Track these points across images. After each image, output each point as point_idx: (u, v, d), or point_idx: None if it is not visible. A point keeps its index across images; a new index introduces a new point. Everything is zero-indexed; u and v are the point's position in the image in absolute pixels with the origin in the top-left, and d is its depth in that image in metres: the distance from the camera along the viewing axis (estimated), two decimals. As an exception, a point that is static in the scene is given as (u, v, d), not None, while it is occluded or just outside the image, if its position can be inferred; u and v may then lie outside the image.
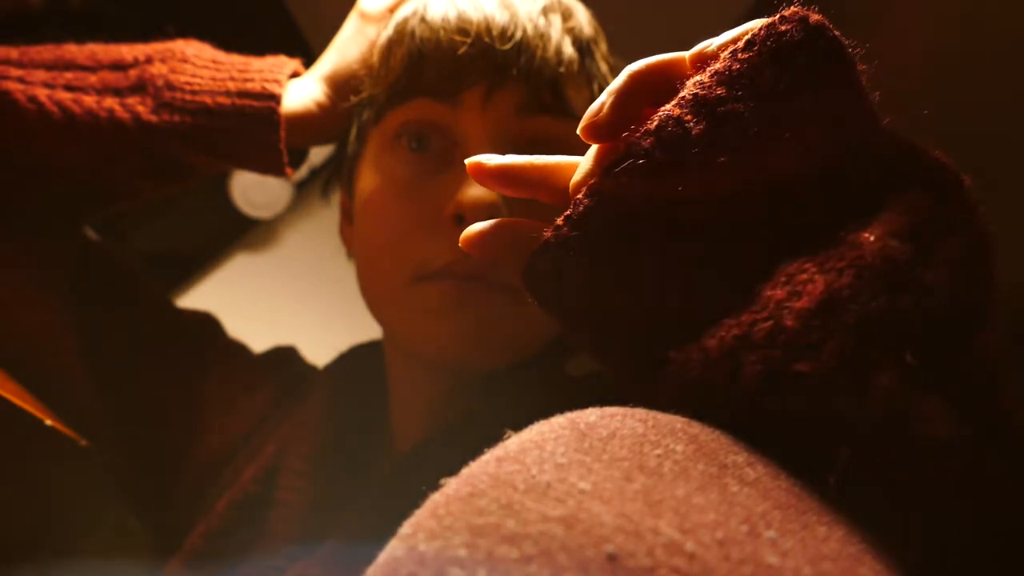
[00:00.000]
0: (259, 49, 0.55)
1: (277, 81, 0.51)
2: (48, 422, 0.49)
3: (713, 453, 0.22)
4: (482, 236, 0.31)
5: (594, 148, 0.30)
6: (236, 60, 0.53)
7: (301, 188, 1.18)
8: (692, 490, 0.19)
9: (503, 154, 0.47)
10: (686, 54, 0.29)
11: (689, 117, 0.26)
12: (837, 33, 0.26)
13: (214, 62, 0.52)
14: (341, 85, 0.54)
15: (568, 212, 0.29)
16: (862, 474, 0.22)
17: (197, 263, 1.17)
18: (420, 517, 0.19)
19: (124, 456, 0.56)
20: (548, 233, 0.29)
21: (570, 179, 0.31)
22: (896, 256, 0.23)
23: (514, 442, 0.22)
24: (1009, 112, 0.71)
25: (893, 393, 0.22)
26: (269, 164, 0.51)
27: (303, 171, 1.08)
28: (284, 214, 1.19)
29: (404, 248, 0.48)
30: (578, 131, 0.29)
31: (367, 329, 0.58)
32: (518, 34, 0.47)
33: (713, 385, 0.25)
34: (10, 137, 0.50)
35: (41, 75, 0.50)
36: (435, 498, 0.20)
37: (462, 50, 0.46)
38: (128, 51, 0.52)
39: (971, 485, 0.22)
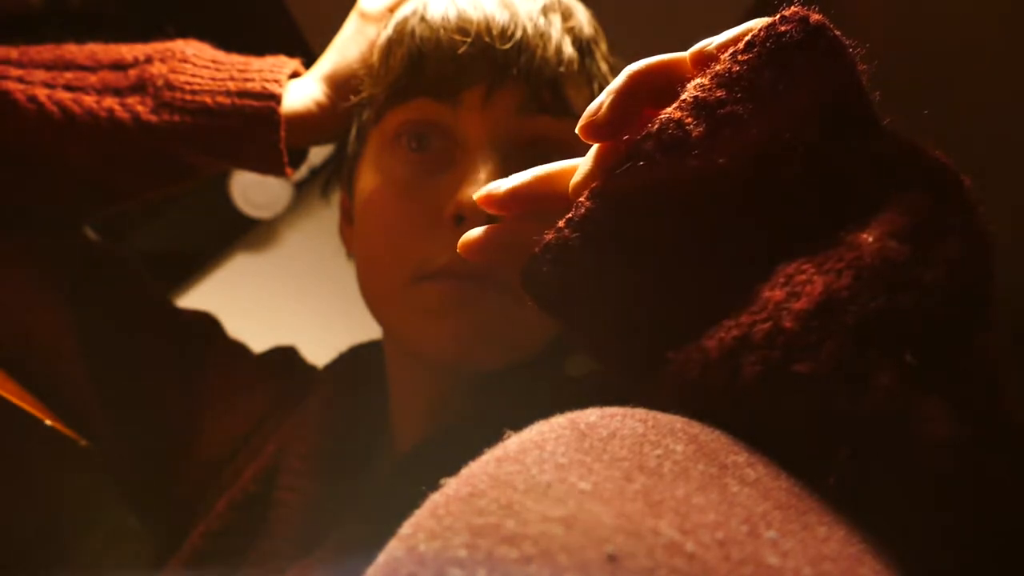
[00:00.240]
0: (259, 49, 0.55)
1: (277, 81, 0.51)
2: (48, 422, 0.49)
3: (713, 453, 0.22)
4: (480, 242, 0.31)
5: (594, 149, 0.30)
6: (236, 60, 0.53)
7: (301, 188, 1.18)
8: (692, 490, 0.19)
9: (503, 154, 0.47)
10: (686, 54, 0.29)
11: (689, 120, 0.26)
12: (837, 33, 0.26)
13: (214, 62, 0.52)
14: (341, 85, 0.54)
15: (570, 215, 0.29)
16: (862, 474, 0.22)
17: (197, 263, 1.17)
18: (420, 517, 0.19)
19: (124, 456, 0.56)
20: (549, 235, 0.29)
21: (570, 181, 0.31)
22: (895, 257, 0.23)
23: (514, 442, 0.22)
24: (1009, 112, 0.71)
25: (892, 393, 0.22)
26: (269, 164, 0.51)
27: (303, 171, 1.08)
28: (284, 214, 1.19)
29: (404, 248, 0.48)
30: (576, 130, 0.29)
31: (367, 329, 0.58)
32: (518, 34, 0.47)
33: (712, 386, 0.25)
34: (10, 137, 0.50)
35: (41, 75, 0.50)
36: (435, 498, 0.20)
37: (462, 50, 0.46)
38: (128, 51, 0.52)
39: (971, 485, 0.22)
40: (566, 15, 0.50)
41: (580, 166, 0.30)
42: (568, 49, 0.48)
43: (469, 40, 0.46)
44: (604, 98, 0.29)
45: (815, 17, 0.26)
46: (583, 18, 0.52)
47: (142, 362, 0.58)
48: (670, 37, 0.35)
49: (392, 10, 0.54)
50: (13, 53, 0.51)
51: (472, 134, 0.47)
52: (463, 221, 0.45)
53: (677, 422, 0.23)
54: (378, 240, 0.50)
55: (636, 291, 0.28)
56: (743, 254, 0.27)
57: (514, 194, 0.31)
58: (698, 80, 0.27)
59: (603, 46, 0.54)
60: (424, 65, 0.47)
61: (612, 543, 0.17)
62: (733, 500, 0.19)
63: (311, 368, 0.64)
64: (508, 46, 0.46)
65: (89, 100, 0.49)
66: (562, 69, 0.48)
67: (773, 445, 0.23)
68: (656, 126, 0.27)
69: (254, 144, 0.50)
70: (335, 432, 0.54)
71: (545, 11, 0.49)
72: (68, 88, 0.50)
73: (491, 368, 0.49)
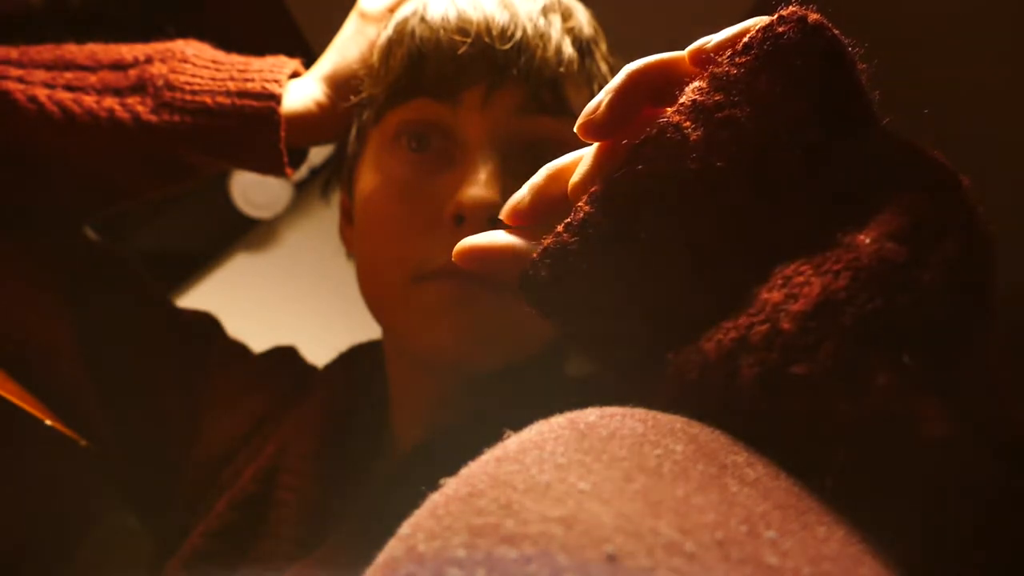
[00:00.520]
0: (259, 49, 0.55)
1: (277, 81, 0.51)
2: (48, 422, 0.49)
3: (713, 453, 0.22)
4: (475, 251, 0.31)
5: (593, 148, 0.30)
6: (236, 60, 0.53)
7: (301, 188, 1.18)
8: (692, 490, 0.19)
9: (502, 154, 0.47)
10: (684, 52, 0.29)
11: (688, 124, 0.26)
12: (836, 32, 0.26)
13: (214, 62, 0.52)
14: (341, 85, 0.54)
15: (568, 219, 0.29)
16: (860, 475, 0.22)
17: (197, 263, 1.17)
18: (419, 517, 0.19)
19: (124, 456, 0.56)
20: (547, 240, 0.29)
21: (569, 181, 0.31)
22: (892, 257, 0.23)
23: (514, 442, 0.22)
24: (1009, 112, 0.71)
25: (890, 394, 0.22)
26: (269, 164, 0.51)
27: (303, 171, 1.08)
28: (284, 214, 1.19)
29: (404, 248, 0.48)
30: (575, 129, 0.29)
31: (367, 329, 0.58)
32: (518, 34, 0.47)
33: (711, 387, 0.25)
34: (10, 137, 0.50)
35: (41, 75, 0.50)
36: (434, 498, 0.20)
37: (462, 50, 0.46)
38: (128, 51, 0.52)
39: (970, 485, 0.22)
40: (566, 15, 0.50)
41: (579, 166, 0.30)
42: (568, 49, 0.48)
43: (469, 40, 0.46)
44: (602, 97, 0.29)
45: (813, 17, 0.26)
46: (583, 18, 0.52)
47: (142, 362, 0.58)
48: (670, 37, 0.35)
49: (392, 10, 0.54)
50: (13, 53, 0.51)
51: (472, 134, 0.47)
52: (463, 221, 0.45)
53: (677, 422, 0.23)
54: (378, 240, 0.50)
55: (635, 293, 0.28)
56: (741, 256, 0.27)
57: (536, 198, 0.31)
58: (696, 83, 0.27)
59: (603, 46, 0.54)
60: (424, 65, 0.47)
61: (612, 543, 0.17)
62: (733, 500, 0.19)
63: (311, 368, 0.64)
64: (508, 46, 0.46)
65: (89, 100, 0.49)
66: (562, 69, 0.48)
67: (771, 446, 0.23)
68: (654, 130, 0.27)
69: (254, 144, 0.50)
70: (335, 432, 0.54)
71: (545, 11, 0.49)
72: (68, 88, 0.50)
73: (491, 368, 0.49)
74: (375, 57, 0.52)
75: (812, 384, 0.23)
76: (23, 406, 0.48)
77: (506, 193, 0.46)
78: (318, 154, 1.01)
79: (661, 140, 0.27)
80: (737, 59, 0.26)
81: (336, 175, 0.60)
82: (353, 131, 0.54)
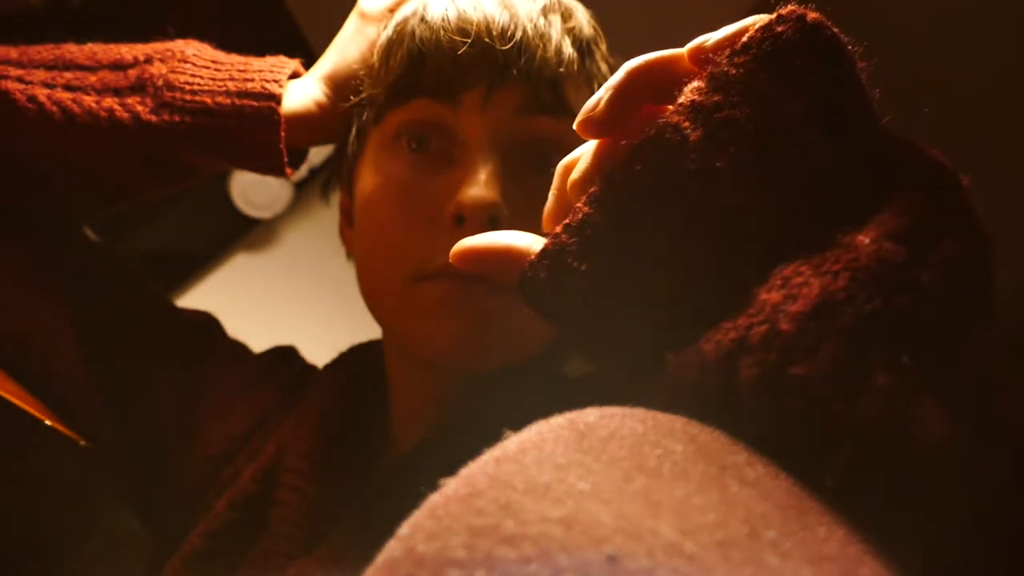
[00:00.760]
0: (259, 49, 0.55)
1: (277, 81, 0.51)
2: (48, 422, 0.49)
3: (713, 453, 0.22)
4: (472, 253, 0.31)
5: (592, 145, 0.30)
6: (236, 60, 0.53)
7: (301, 188, 1.18)
8: (692, 491, 0.19)
9: (503, 154, 0.47)
10: (684, 50, 0.29)
11: (687, 124, 0.26)
12: (836, 31, 0.26)
13: (214, 62, 0.52)
14: (341, 85, 0.54)
15: (567, 220, 0.29)
16: (860, 475, 0.22)
17: (197, 263, 1.17)
18: (418, 518, 0.19)
19: (124, 456, 0.56)
20: (546, 242, 0.29)
21: (568, 179, 0.31)
22: (891, 258, 0.23)
23: (513, 442, 0.21)
24: (1009, 112, 0.71)
25: (889, 395, 0.22)
26: (269, 164, 0.51)
27: (303, 171, 1.08)
28: (284, 214, 1.19)
29: (404, 248, 0.48)
30: (574, 126, 0.29)
31: (367, 329, 0.58)
32: (518, 34, 0.47)
33: (710, 388, 0.25)
34: (10, 137, 0.50)
35: (41, 75, 0.50)
36: (433, 499, 0.20)
37: (462, 50, 0.46)
38: (128, 51, 0.52)
39: (969, 486, 0.22)
40: (566, 16, 0.50)
41: (578, 163, 0.30)
42: (568, 50, 0.48)
43: (469, 41, 0.46)
44: (602, 94, 0.29)
45: (812, 16, 0.26)
46: (583, 19, 0.52)
47: (142, 362, 0.58)
48: (670, 37, 0.35)
49: (392, 10, 0.54)
50: (13, 53, 0.51)
51: (472, 134, 0.47)
52: (463, 221, 0.45)
53: (677, 422, 0.23)
54: (378, 240, 0.50)
55: (634, 294, 0.28)
56: (740, 256, 0.27)
57: (554, 214, 0.31)
58: (695, 84, 0.27)
59: (603, 46, 0.54)
60: (424, 66, 0.47)
61: (611, 543, 0.17)
62: (733, 500, 0.19)
63: (311, 368, 0.64)
64: (508, 47, 0.46)
65: (89, 100, 0.49)
66: (562, 70, 0.48)
67: (771, 446, 0.23)
68: (653, 131, 0.27)
69: (254, 144, 0.50)
70: (335, 432, 0.54)
71: (545, 12, 0.49)
72: (68, 88, 0.50)
73: (491, 368, 0.49)
74: (375, 57, 0.52)
75: (811, 385, 0.22)
76: (23, 406, 0.48)
77: (506, 193, 0.46)
78: (318, 154, 1.01)
79: (660, 141, 0.27)
80: (736, 59, 0.26)
81: (336, 175, 0.60)
82: (353, 131, 0.54)
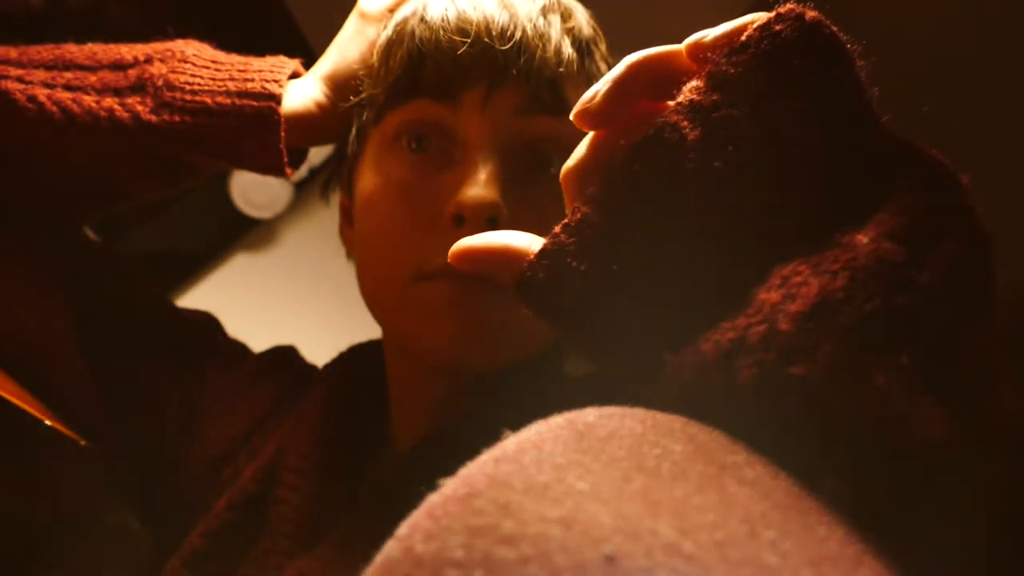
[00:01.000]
0: (259, 49, 0.55)
1: (277, 81, 0.51)
2: (48, 422, 0.49)
3: (712, 453, 0.22)
4: (471, 253, 0.31)
5: (589, 137, 0.30)
6: (236, 60, 0.53)
7: (301, 188, 1.18)
8: (691, 490, 0.19)
9: (502, 154, 0.47)
10: (683, 45, 0.29)
11: (685, 123, 0.26)
12: (835, 30, 0.26)
13: (214, 62, 0.52)
14: (341, 85, 0.54)
15: (566, 220, 0.29)
16: (859, 475, 0.22)
17: (197, 263, 1.17)
18: (417, 518, 0.19)
19: (124, 456, 0.56)
20: (545, 242, 0.29)
21: (563, 167, 0.31)
22: (890, 257, 0.23)
23: (512, 442, 0.21)
24: (1009, 111, 0.71)
25: (889, 395, 0.22)
26: (269, 164, 0.51)
27: (303, 171, 1.08)
28: (284, 214, 1.19)
29: (404, 248, 0.48)
30: (571, 117, 0.30)
31: (367, 329, 0.58)
32: (518, 34, 0.47)
33: (709, 388, 0.25)
34: (10, 137, 0.50)
35: (41, 75, 0.50)
36: (432, 499, 0.20)
37: (462, 50, 0.46)
38: (128, 51, 0.52)
39: (969, 486, 0.22)
40: (565, 16, 0.50)
41: (574, 153, 0.30)
42: (567, 50, 0.48)
43: (469, 41, 0.46)
44: (600, 86, 0.29)
45: (811, 15, 0.26)
46: (582, 19, 0.52)
47: (142, 362, 0.58)
48: (669, 38, 0.35)
49: (392, 10, 0.54)
50: (13, 53, 0.51)
51: (472, 134, 0.47)
52: (463, 221, 0.45)
53: (676, 422, 0.23)
54: (378, 240, 0.50)
55: (632, 294, 0.28)
56: (739, 255, 0.27)
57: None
58: (693, 83, 0.27)
59: (602, 46, 0.54)
60: (424, 66, 0.47)
61: (610, 543, 0.17)
62: (732, 500, 0.19)
63: (311, 368, 0.64)
64: (508, 47, 0.46)
65: (89, 100, 0.49)
66: (562, 69, 0.48)
67: (770, 446, 0.23)
68: (652, 130, 0.27)
69: (254, 144, 0.50)
70: (335, 432, 0.54)
71: (544, 12, 0.49)
72: (68, 88, 0.50)
73: (491, 368, 0.49)
74: (375, 57, 0.52)
75: (810, 385, 0.22)
76: (23, 406, 0.48)
77: (506, 193, 0.46)
78: (318, 154, 1.01)
79: (659, 140, 0.27)
80: (734, 58, 0.26)
81: (336, 175, 0.60)
82: (353, 131, 0.54)
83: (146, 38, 0.54)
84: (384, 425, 0.57)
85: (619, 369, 0.30)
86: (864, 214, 0.25)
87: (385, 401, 0.57)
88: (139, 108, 0.49)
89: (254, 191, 1.13)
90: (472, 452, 0.22)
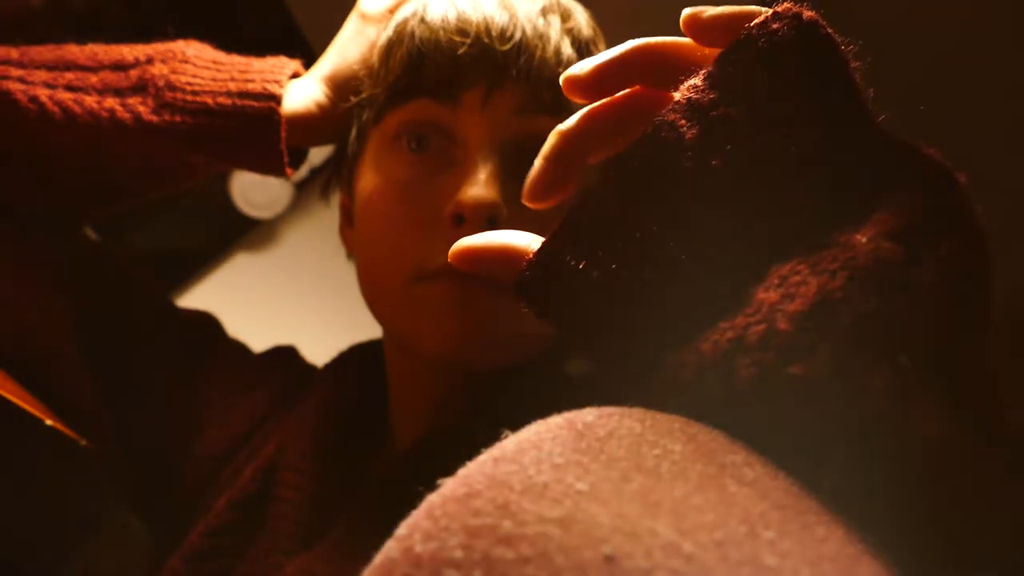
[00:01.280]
0: (259, 49, 0.55)
1: (278, 82, 0.51)
2: (48, 422, 0.49)
3: (711, 453, 0.22)
4: (470, 252, 0.31)
5: (585, 110, 0.30)
6: (237, 60, 0.53)
7: (301, 188, 1.18)
8: (690, 490, 0.19)
9: (502, 154, 0.47)
10: (683, 24, 0.29)
11: (683, 122, 0.26)
12: (831, 30, 0.26)
13: (215, 63, 0.52)
14: (341, 85, 0.54)
15: (565, 219, 0.29)
16: (858, 475, 0.22)
17: (197, 263, 1.17)
18: (416, 518, 0.19)
19: (124, 456, 0.56)
20: (544, 242, 0.29)
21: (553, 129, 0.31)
22: (889, 257, 0.23)
23: (511, 442, 0.21)
24: (1008, 111, 0.71)
25: (887, 395, 0.22)
26: (269, 164, 0.51)
27: (303, 171, 1.08)
28: (284, 214, 1.19)
29: (404, 248, 0.48)
30: (560, 80, 0.30)
31: (367, 329, 0.58)
32: (517, 35, 0.47)
33: (708, 388, 0.25)
34: (11, 137, 0.50)
35: (42, 75, 0.50)
36: (431, 499, 0.20)
37: (462, 51, 0.46)
38: (129, 51, 0.52)
39: (967, 486, 0.22)
40: (565, 16, 0.50)
41: (566, 121, 0.31)
42: (567, 50, 0.48)
43: (468, 41, 0.46)
44: (596, 59, 0.29)
45: (808, 14, 0.26)
46: (582, 19, 0.52)
47: (142, 362, 0.58)
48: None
49: (392, 11, 0.54)
50: (14, 53, 0.51)
51: (472, 135, 0.47)
52: (463, 221, 0.45)
53: (675, 422, 0.23)
54: (378, 240, 0.50)
55: (631, 293, 0.28)
56: (737, 255, 0.27)
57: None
58: (691, 81, 0.27)
59: (602, 47, 0.54)
60: (424, 66, 0.47)
61: (609, 544, 0.17)
62: (731, 500, 0.19)
63: (311, 368, 0.64)
64: (507, 47, 0.46)
65: (90, 100, 0.49)
66: (561, 70, 0.48)
67: (769, 446, 0.23)
68: (650, 129, 0.27)
69: (254, 145, 0.50)
70: (335, 431, 0.54)
71: (544, 12, 0.49)
72: (69, 88, 0.50)
73: (491, 368, 0.49)
74: (375, 58, 0.52)
75: (809, 384, 0.22)
76: (23, 406, 0.48)
77: (506, 193, 0.46)
78: (318, 154, 1.01)
79: (656, 139, 0.27)
80: (731, 56, 0.26)
81: (336, 175, 0.60)
82: (353, 131, 0.54)
83: (147, 38, 0.54)
84: (384, 424, 0.57)
85: (619, 369, 0.30)
86: (863, 213, 0.25)
87: (385, 401, 0.57)
88: (140, 108, 0.49)
89: (254, 191, 1.13)
90: (472, 452, 0.22)
